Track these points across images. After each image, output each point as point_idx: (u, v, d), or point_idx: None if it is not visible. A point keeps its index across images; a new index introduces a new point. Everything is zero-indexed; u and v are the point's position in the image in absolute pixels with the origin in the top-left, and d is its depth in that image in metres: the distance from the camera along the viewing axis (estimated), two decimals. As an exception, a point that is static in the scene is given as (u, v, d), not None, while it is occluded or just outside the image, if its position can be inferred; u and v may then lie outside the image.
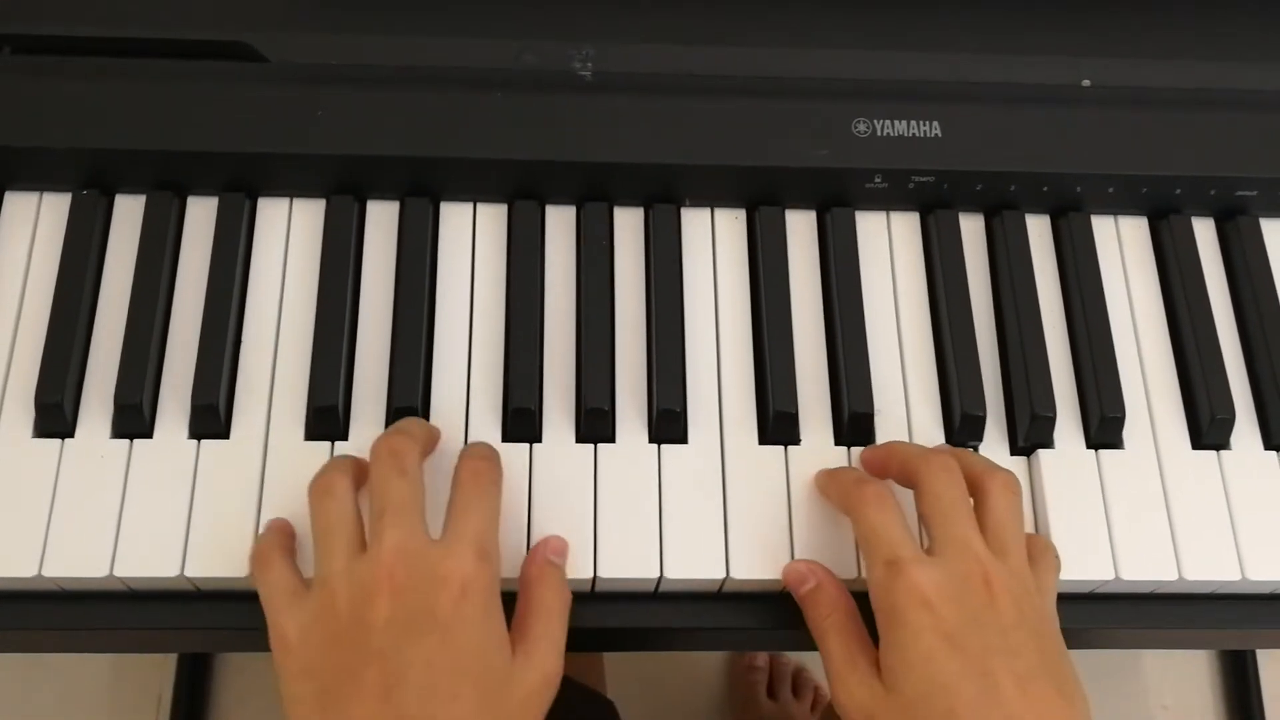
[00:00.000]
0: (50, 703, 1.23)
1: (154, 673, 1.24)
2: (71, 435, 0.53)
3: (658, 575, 0.52)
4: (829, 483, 0.54)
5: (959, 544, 0.48)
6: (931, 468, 0.50)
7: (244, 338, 0.56)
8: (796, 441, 0.56)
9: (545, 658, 0.48)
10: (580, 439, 0.55)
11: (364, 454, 0.53)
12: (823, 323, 0.59)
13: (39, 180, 0.58)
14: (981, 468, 0.52)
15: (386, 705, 0.44)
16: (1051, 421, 0.56)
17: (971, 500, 0.51)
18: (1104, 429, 0.56)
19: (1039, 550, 0.52)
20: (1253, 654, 1.30)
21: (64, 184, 0.58)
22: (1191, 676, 1.32)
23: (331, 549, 0.47)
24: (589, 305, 0.57)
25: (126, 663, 1.25)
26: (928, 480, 0.50)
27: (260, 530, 0.52)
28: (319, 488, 0.49)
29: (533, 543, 0.52)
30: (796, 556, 0.53)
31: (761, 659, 1.24)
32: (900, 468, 0.52)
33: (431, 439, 0.53)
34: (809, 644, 0.52)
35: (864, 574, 0.51)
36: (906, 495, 0.52)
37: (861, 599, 0.51)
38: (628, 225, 0.60)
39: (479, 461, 0.51)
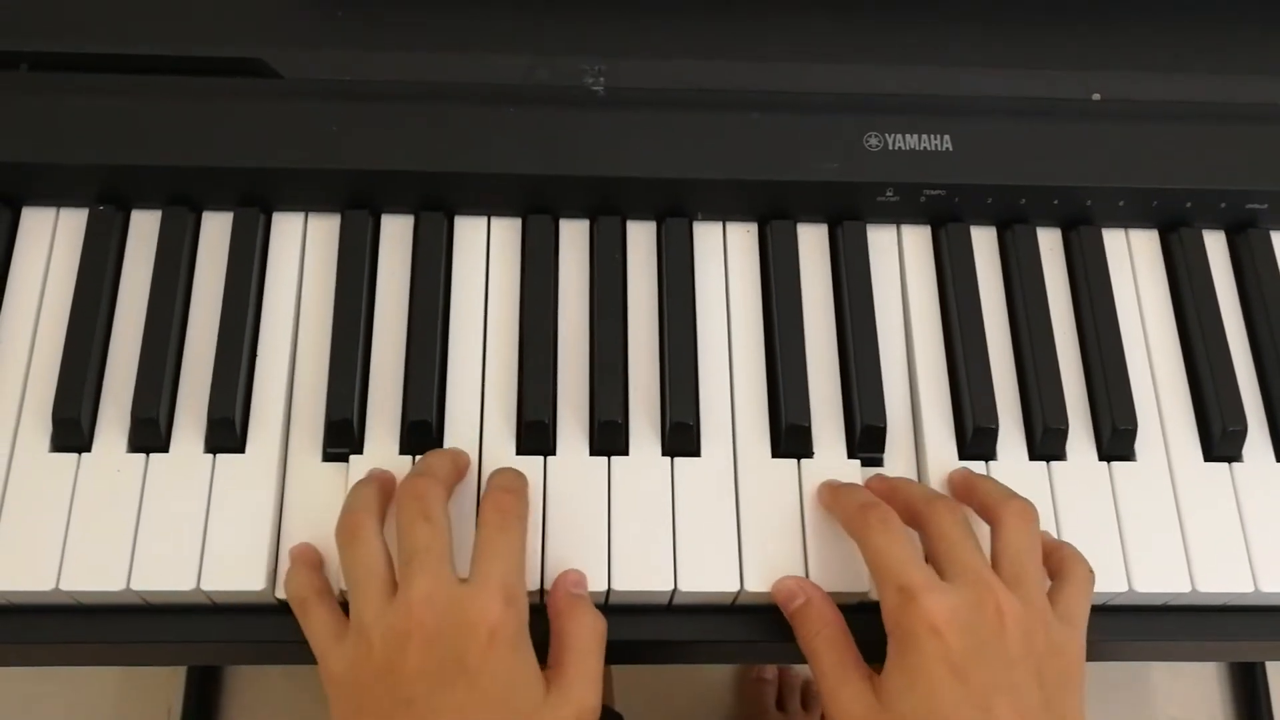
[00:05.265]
0: (59, 714, 1.23)
1: (163, 683, 1.24)
2: (88, 450, 0.54)
3: (671, 588, 0.52)
4: (834, 503, 0.53)
5: (971, 572, 0.48)
6: (934, 509, 0.50)
7: (259, 352, 0.56)
8: (809, 454, 0.56)
9: (582, 693, 0.48)
10: (594, 452, 0.55)
11: (379, 467, 0.53)
12: (835, 336, 0.59)
13: (56, 196, 0.59)
14: (996, 496, 0.52)
15: None
16: (1063, 434, 0.56)
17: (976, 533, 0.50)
18: (1116, 441, 0.56)
19: (1068, 566, 0.52)
20: (1262, 664, 1.29)
21: (80, 199, 0.59)
22: (1200, 686, 1.31)
23: (365, 597, 0.48)
24: (602, 318, 0.57)
25: (136, 673, 1.25)
26: (931, 520, 0.50)
27: (282, 551, 0.52)
28: (346, 532, 0.49)
29: (547, 556, 0.52)
30: (810, 568, 0.53)
31: (771, 671, 1.23)
32: (904, 507, 0.52)
33: (458, 469, 0.53)
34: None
35: (875, 589, 0.51)
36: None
37: (857, 611, 0.51)
38: (640, 239, 0.60)
39: (503, 496, 0.50)
